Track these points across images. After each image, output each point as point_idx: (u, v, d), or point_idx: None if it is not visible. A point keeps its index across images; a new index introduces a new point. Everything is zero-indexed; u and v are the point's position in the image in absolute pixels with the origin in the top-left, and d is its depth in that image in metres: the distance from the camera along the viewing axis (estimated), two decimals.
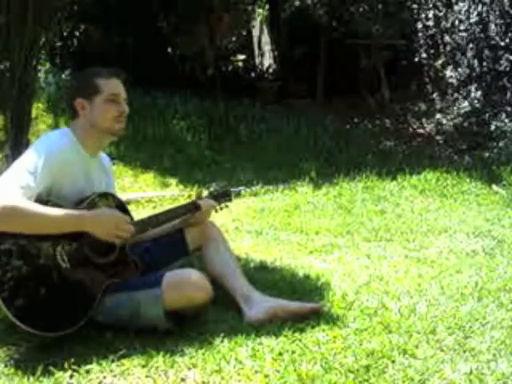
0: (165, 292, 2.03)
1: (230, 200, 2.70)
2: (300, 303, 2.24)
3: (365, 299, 2.38)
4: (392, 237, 3.61)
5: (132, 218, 2.25)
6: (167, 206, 3.60)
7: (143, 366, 1.82)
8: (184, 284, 2.08)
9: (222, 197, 2.64)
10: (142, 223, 2.25)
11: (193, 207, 2.42)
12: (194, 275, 2.11)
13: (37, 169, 1.96)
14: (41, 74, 7.56)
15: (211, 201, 2.50)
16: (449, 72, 8.19)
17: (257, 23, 11.46)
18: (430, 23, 8.28)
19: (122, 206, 2.24)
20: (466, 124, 7.60)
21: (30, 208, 1.88)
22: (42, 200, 1.96)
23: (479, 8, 7.60)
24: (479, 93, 7.61)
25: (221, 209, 2.64)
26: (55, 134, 2.25)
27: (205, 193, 2.63)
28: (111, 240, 2.05)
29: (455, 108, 7.90)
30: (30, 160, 1.99)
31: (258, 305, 2.18)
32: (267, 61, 11.11)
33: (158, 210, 4.17)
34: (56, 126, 6.70)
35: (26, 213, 1.86)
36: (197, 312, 2.13)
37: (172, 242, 2.42)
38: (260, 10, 11.33)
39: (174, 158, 6.56)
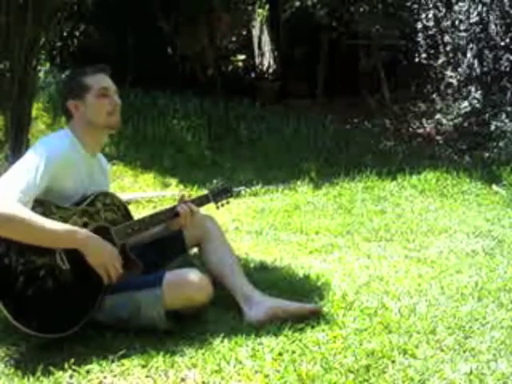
0: (165, 292, 2.04)
1: (232, 196, 2.67)
2: (300, 304, 2.24)
3: (365, 299, 2.38)
4: (392, 237, 3.61)
5: (132, 218, 2.26)
6: (167, 206, 3.60)
7: (143, 366, 1.82)
8: (184, 284, 2.09)
9: (223, 193, 2.62)
10: (132, 226, 2.21)
11: (171, 214, 2.35)
12: (194, 275, 2.11)
13: (38, 170, 1.95)
14: (41, 74, 7.56)
15: (192, 205, 2.39)
16: (449, 72, 8.19)
17: (257, 23, 11.46)
18: (430, 23, 8.27)
19: (122, 206, 2.25)
20: (466, 124, 7.59)
21: (29, 218, 1.85)
22: (39, 200, 1.95)
23: (479, 8, 7.59)
24: (479, 93, 7.60)
25: (222, 205, 2.62)
26: (56, 135, 2.25)
27: (205, 191, 2.62)
28: (101, 270, 1.99)
29: (455, 108, 7.89)
30: (30, 161, 1.99)
31: (258, 305, 2.18)
32: (267, 61, 11.11)
33: (159, 209, 4.17)
34: (56, 126, 6.70)
35: (24, 222, 1.84)
36: (197, 312, 2.13)
37: (171, 240, 2.42)
38: (260, 10, 11.32)
39: (174, 158, 6.56)
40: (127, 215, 2.25)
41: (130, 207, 2.69)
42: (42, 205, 1.95)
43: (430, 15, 8.23)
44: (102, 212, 2.14)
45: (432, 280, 2.67)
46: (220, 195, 2.60)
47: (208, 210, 2.65)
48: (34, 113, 4.69)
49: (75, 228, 1.96)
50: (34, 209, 1.92)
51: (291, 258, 3.15)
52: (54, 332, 1.90)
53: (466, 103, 7.68)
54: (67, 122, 2.25)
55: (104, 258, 1.98)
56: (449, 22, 8.01)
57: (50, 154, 2.02)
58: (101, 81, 2.19)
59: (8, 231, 1.84)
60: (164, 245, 2.41)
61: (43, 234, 1.88)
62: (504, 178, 5.32)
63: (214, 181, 2.65)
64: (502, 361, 1.85)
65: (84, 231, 1.98)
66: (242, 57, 11.57)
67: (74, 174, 2.11)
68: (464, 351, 1.92)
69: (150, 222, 2.28)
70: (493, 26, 7.53)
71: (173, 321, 2.06)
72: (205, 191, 2.60)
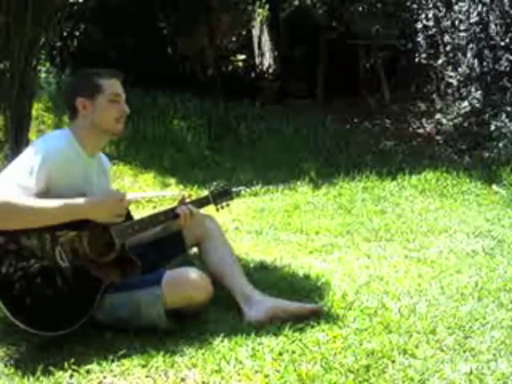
0: (165, 291, 2.04)
1: (232, 199, 2.66)
2: (300, 304, 2.24)
3: (365, 299, 2.38)
4: (392, 237, 3.61)
5: (132, 218, 2.26)
6: (167, 206, 3.62)
7: (143, 366, 1.82)
8: (184, 283, 2.09)
9: (223, 195, 2.61)
10: (132, 226, 2.22)
11: (171, 215, 2.34)
12: (193, 274, 2.11)
13: (34, 169, 1.96)
14: (41, 74, 7.56)
15: (191, 207, 2.38)
16: (449, 72, 8.19)
17: (257, 23, 11.44)
18: (430, 23, 8.27)
19: None
20: (466, 124, 7.59)
21: (25, 202, 1.88)
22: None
23: (479, 8, 7.58)
24: (479, 93, 7.60)
25: (221, 208, 2.62)
26: (54, 135, 2.25)
27: (205, 192, 2.61)
28: (112, 221, 2.06)
29: (455, 108, 7.88)
30: (27, 160, 2.00)
31: (258, 305, 2.18)
32: (267, 61, 11.10)
33: (158, 210, 4.17)
34: (56, 126, 6.70)
35: (21, 207, 1.87)
36: (197, 311, 2.13)
37: (170, 239, 2.42)
38: (260, 10, 11.31)
39: (174, 158, 6.56)
40: (127, 215, 2.25)
41: (130, 207, 2.69)
42: None
43: (430, 15, 8.23)
44: None
45: (432, 280, 2.67)
46: (220, 197, 2.59)
47: (208, 210, 2.65)
48: (34, 113, 4.69)
49: (71, 200, 1.98)
50: None
51: (291, 258, 3.15)
52: (53, 330, 1.90)
53: (465, 103, 7.68)
54: (70, 120, 2.24)
55: (107, 212, 2.04)
56: (449, 22, 8.01)
57: (46, 154, 2.02)
58: (114, 86, 2.18)
59: (9, 220, 1.86)
60: (164, 244, 2.40)
61: (43, 215, 1.91)
62: (504, 178, 5.32)
63: (215, 183, 2.64)
64: (502, 361, 1.85)
65: (79, 200, 2.00)
66: (242, 57, 11.56)
67: (70, 173, 2.11)
68: (464, 351, 1.92)
69: (149, 222, 2.28)
70: (493, 26, 7.53)
71: (173, 320, 2.06)
72: (205, 192, 2.60)
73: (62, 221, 1.96)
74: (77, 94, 2.18)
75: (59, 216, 1.95)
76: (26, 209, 1.88)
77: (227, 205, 2.63)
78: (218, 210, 2.58)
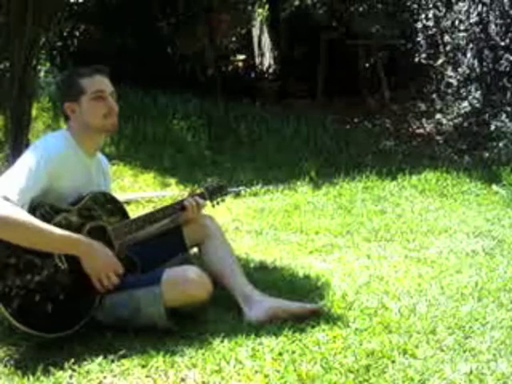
0: (164, 290, 2.04)
1: (226, 194, 2.66)
2: (300, 304, 2.24)
3: (365, 299, 2.38)
4: (392, 237, 3.60)
5: (128, 218, 2.26)
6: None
7: (143, 366, 1.82)
8: (183, 281, 2.09)
9: (217, 192, 2.61)
10: (129, 225, 2.22)
11: (179, 207, 2.38)
12: (193, 272, 2.12)
13: (33, 172, 1.95)
14: (41, 74, 7.56)
15: (199, 199, 2.42)
16: (449, 72, 8.19)
17: (257, 23, 11.45)
18: (430, 23, 8.27)
19: (119, 206, 2.25)
20: (465, 124, 7.59)
21: (25, 221, 1.85)
22: (38, 202, 1.95)
23: (479, 8, 7.58)
24: (479, 93, 7.60)
25: (217, 203, 2.62)
26: (53, 136, 2.25)
27: (201, 189, 2.61)
28: (94, 278, 2.00)
29: (455, 108, 7.88)
30: (27, 162, 1.99)
31: (258, 305, 2.18)
32: (267, 61, 11.10)
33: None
34: (56, 126, 6.70)
35: (20, 225, 1.84)
36: (196, 310, 2.13)
37: (170, 238, 2.42)
38: (260, 10, 11.31)
39: (174, 158, 6.56)
40: (124, 215, 2.25)
41: (130, 207, 2.69)
42: (39, 206, 1.95)
43: (430, 15, 8.24)
44: (98, 212, 2.14)
45: (432, 280, 2.67)
46: (215, 193, 2.59)
47: (207, 209, 2.65)
48: (33, 113, 4.69)
49: (72, 234, 1.95)
50: (30, 211, 1.92)
51: (291, 258, 3.15)
52: (54, 332, 1.90)
53: (465, 103, 7.68)
54: (66, 123, 2.25)
55: (98, 266, 1.99)
56: (449, 22, 8.01)
57: (46, 155, 2.02)
58: (96, 83, 2.17)
59: (4, 234, 1.84)
60: (163, 244, 2.41)
61: (40, 239, 1.88)
62: (504, 177, 5.31)
63: (209, 179, 2.64)
64: (502, 361, 1.85)
65: (81, 237, 1.98)
66: (241, 57, 11.56)
67: (70, 174, 2.11)
68: (464, 351, 1.92)
69: (151, 218, 2.28)
70: (493, 26, 7.53)
71: (173, 319, 2.06)
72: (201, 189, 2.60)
73: (56, 250, 1.93)
74: (63, 99, 2.20)
75: (56, 242, 1.91)
76: (27, 225, 1.84)
77: (222, 200, 2.63)
78: (213, 205, 2.58)
